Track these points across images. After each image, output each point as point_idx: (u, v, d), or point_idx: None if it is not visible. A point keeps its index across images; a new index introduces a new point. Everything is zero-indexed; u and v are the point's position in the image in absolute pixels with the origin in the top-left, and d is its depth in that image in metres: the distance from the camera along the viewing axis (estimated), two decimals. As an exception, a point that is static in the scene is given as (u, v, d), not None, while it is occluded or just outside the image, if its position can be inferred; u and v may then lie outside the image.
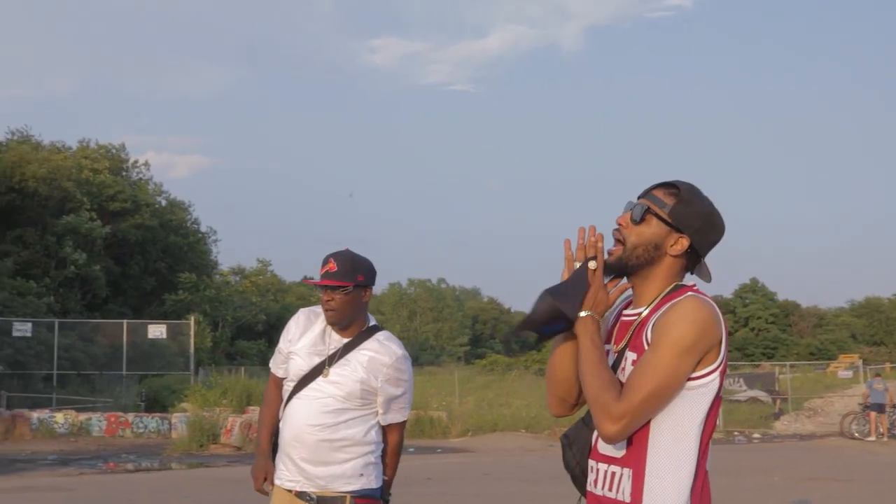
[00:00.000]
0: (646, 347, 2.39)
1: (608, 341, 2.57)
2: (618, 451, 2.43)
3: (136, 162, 48.86)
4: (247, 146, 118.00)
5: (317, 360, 3.87)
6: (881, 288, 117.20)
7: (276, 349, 4.08)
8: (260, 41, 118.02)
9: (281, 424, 3.96)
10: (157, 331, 29.74)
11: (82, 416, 22.84)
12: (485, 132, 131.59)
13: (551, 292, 2.46)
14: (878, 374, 27.54)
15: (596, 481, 2.51)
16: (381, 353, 3.88)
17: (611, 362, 2.49)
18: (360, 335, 3.91)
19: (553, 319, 2.45)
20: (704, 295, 2.45)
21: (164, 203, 47.70)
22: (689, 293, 2.43)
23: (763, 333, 79.73)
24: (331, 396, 3.82)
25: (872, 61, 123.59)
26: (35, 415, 22.43)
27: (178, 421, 22.38)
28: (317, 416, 3.81)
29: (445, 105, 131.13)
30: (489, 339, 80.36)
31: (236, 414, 21.60)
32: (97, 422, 22.73)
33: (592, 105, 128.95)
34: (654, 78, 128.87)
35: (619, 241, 2.50)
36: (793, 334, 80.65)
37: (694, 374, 2.37)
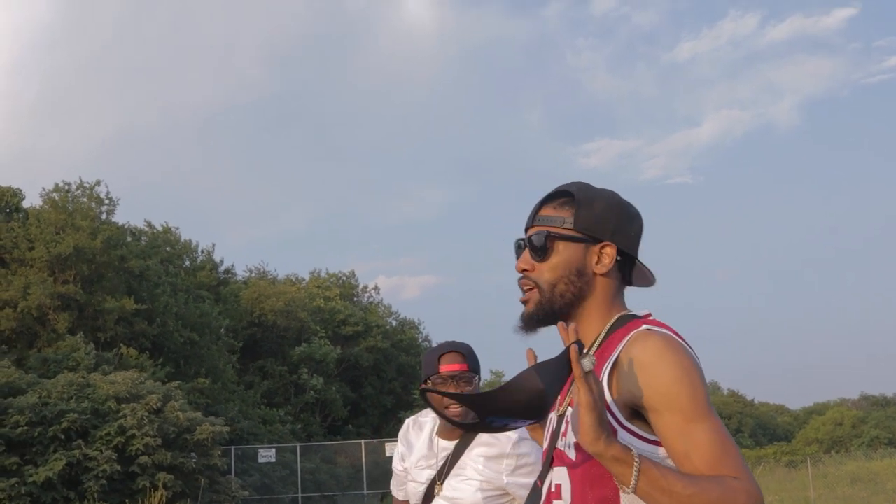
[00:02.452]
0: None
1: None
2: None
3: (365, 287, 50.74)
4: (473, 262, 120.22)
5: (430, 475, 3.36)
6: None
7: (393, 470, 3.63)
8: (477, 159, 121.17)
9: None
10: (393, 448, 29.99)
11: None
12: (708, 221, 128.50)
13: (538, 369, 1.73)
14: None
15: None
16: (493, 444, 3.25)
17: (551, 428, 1.99)
18: (468, 432, 3.31)
19: (527, 410, 1.74)
20: (661, 326, 1.88)
21: (394, 324, 48.98)
22: (640, 331, 1.85)
23: None
24: None
25: None
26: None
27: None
28: None
29: (666, 198, 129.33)
30: (735, 434, 77.19)
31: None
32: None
33: (817, 181, 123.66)
34: (878, 146, 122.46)
35: (531, 289, 1.95)
36: None
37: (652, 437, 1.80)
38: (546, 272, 1.94)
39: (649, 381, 1.77)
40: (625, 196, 2.12)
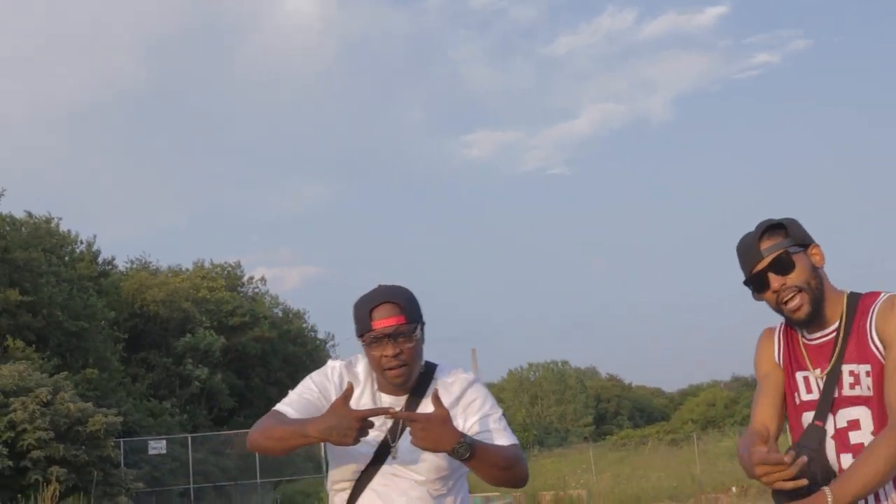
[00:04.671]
0: (875, 354, 2.56)
1: (800, 368, 2.73)
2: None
3: (251, 278, 50.24)
4: (355, 252, 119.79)
5: (377, 435, 2.82)
6: None
7: (295, 393, 2.96)
8: (358, 152, 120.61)
9: None
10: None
11: (223, 526, 23.00)
12: (584, 212, 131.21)
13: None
14: None
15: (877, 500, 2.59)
16: (445, 396, 2.79)
17: (819, 385, 2.68)
18: (418, 386, 2.92)
19: None
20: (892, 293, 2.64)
21: (280, 314, 48.67)
22: (885, 294, 2.63)
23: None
24: (419, 482, 2.85)
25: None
26: (178, 529, 22.67)
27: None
28: None
29: (544, 189, 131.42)
30: (614, 417, 79.20)
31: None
32: (238, 530, 22.85)
33: (689, 174, 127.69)
34: (747, 140, 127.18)
35: (797, 293, 2.66)
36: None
37: None
38: (796, 279, 2.70)
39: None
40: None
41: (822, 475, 2.57)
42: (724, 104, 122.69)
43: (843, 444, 2.61)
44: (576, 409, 76.41)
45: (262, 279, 50.70)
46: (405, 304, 2.81)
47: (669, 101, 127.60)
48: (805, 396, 2.72)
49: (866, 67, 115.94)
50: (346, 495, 2.92)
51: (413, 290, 2.91)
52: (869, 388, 2.58)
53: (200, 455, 30.86)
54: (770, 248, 2.67)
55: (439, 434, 2.58)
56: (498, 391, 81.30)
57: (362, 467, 2.87)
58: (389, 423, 2.85)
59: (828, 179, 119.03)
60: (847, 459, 2.57)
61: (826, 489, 2.34)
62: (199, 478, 29.82)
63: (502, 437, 2.82)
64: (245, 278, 49.65)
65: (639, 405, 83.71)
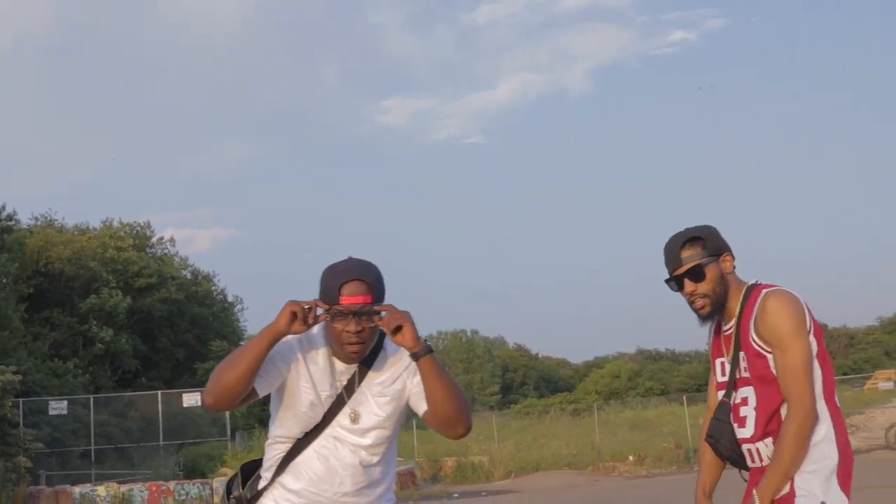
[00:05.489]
0: (755, 347, 3.16)
1: (719, 355, 3.37)
2: (747, 432, 3.21)
3: (161, 238, 49.47)
4: (267, 215, 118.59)
5: (329, 400, 2.98)
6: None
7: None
8: (275, 114, 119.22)
9: (287, 482, 3.05)
10: (191, 399, 29.67)
11: (124, 488, 22.82)
12: (499, 182, 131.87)
13: None
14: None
15: (752, 459, 3.23)
16: (395, 362, 3.02)
17: (728, 369, 3.30)
18: (369, 356, 3.01)
19: None
20: (771, 286, 3.21)
21: (189, 276, 48.09)
22: (764, 291, 3.19)
23: (795, 358, 78.91)
24: (361, 447, 3.00)
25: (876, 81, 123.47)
26: (77, 490, 22.43)
27: (220, 485, 22.30)
28: (353, 480, 3.00)
29: (460, 158, 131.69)
30: (520, 386, 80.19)
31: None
32: (139, 492, 22.69)
33: (605, 147, 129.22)
34: (664, 114, 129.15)
35: (702, 298, 3.23)
36: (825, 357, 79.76)
37: None
38: (706, 287, 3.25)
39: (764, 322, 3.17)
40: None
41: (729, 442, 3.28)
42: (641, 79, 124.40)
43: (736, 416, 3.27)
44: (483, 378, 77.16)
45: (172, 240, 50.07)
46: (374, 284, 2.87)
47: (588, 74, 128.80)
48: (720, 378, 3.40)
49: (781, 48, 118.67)
50: (284, 449, 3.03)
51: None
52: (746, 371, 3.24)
53: (103, 417, 30.53)
54: (688, 258, 3.24)
55: (405, 318, 2.84)
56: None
57: (307, 428, 2.98)
58: (341, 388, 2.97)
59: (740, 154, 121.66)
60: (736, 427, 3.26)
61: (754, 491, 3.00)
62: (101, 439, 29.49)
63: None
64: (154, 239, 48.92)
65: (545, 375, 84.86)
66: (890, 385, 38.36)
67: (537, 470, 24.24)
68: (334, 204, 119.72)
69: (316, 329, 3.00)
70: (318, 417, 2.97)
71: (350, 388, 2.97)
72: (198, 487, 22.97)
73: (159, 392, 30.79)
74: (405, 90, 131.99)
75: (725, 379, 3.33)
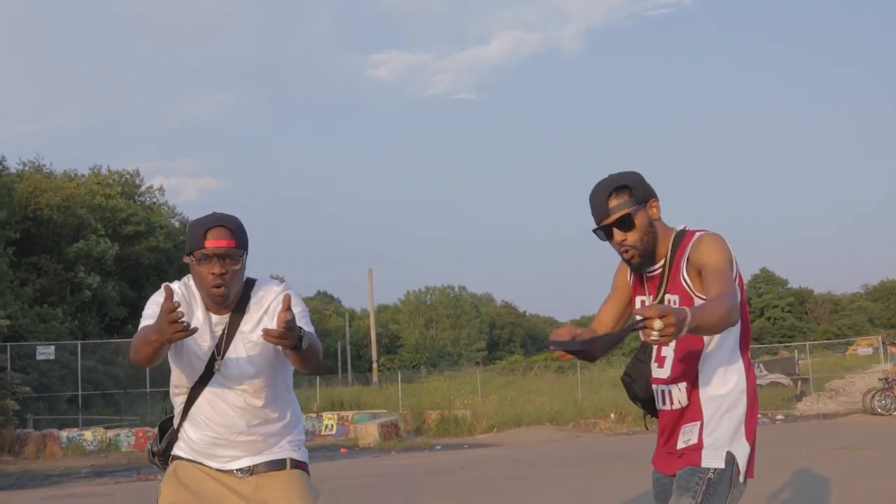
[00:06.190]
0: (684, 287, 3.09)
1: (640, 293, 3.27)
2: (664, 373, 3.18)
3: (150, 187, 49.36)
4: (256, 166, 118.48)
5: (208, 353, 3.22)
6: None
7: (148, 316, 3.16)
8: (264, 64, 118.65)
9: (189, 432, 3.34)
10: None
11: (111, 433, 23.07)
12: (489, 139, 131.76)
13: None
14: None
15: (664, 401, 3.21)
16: (259, 305, 3.25)
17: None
18: (239, 303, 3.24)
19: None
20: (702, 230, 3.16)
21: (177, 225, 48.08)
22: (697, 233, 3.13)
23: (780, 322, 79.63)
24: (243, 391, 3.24)
25: (877, 56, 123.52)
26: (64, 434, 22.67)
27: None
28: (245, 421, 3.26)
29: (450, 114, 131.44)
30: (506, 343, 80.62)
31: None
32: (125, 437, 22.95)
33: (597, 106, 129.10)
34: (656, 75, 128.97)
35: (631, 247, 3.14)
36: (809, 321, 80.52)
37: None
38: (636, 236, 3.15)
39: (697, 256, 3.07)
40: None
41: (645, 384, 3.27)
42: (633, 39, 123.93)
43: (658, 356, 3.25)
44: (469, 334, 77.59)
45: (161, 189, 50.01)
46: (236, 231, 3.13)
47: (581, 33, 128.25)
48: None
49: (776, 9, 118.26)
50: (183, 399, 3.31)
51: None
52: None
53: (90, 363, 30.69)
54: (616, 208, 3.13)
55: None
56: (393, 313, 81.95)
57: (195, 378, 3.24)
58: (217, 339, 3.20)
59: (729, 111, 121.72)
60: (654, 367, 3.24)
61: (687, 309, 2.67)
62: (89, 385, 29.66)
63: (304, 325, 3.02)
64: (143, 187, 48.83)
65: (532, 333, 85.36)
66: (870, 351, 38.81)
67: (519, 425, 24.53)
68: (323, 155, 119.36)
69: (194, 287, 3.25)
70: (202, 368, 3.22)
71: (224, 338, 3.21)
72: (184, 434, 23.17)
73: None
74: (397, 44, 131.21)
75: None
